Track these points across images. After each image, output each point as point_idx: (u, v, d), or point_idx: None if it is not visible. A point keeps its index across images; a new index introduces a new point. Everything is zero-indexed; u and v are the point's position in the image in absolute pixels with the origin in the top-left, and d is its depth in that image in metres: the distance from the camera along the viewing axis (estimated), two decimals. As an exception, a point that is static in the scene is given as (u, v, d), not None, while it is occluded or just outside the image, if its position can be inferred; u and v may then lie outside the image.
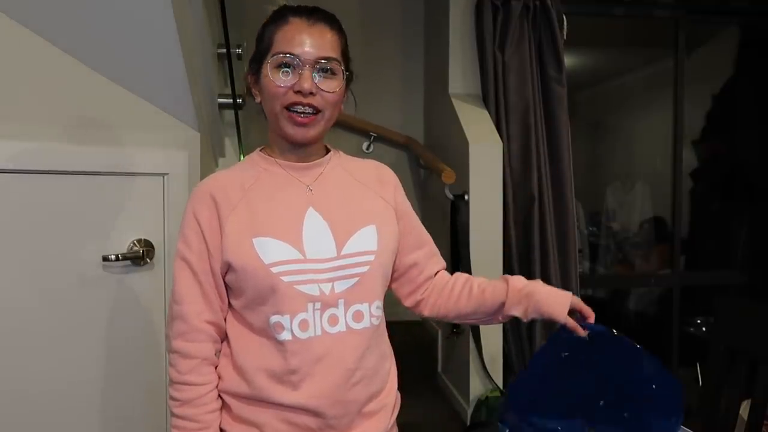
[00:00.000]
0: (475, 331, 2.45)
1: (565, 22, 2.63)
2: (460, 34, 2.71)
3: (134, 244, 1.55)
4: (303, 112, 1.02)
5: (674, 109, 3.25)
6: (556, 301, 1.11)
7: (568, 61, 2.68)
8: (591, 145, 3.81)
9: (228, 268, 1.04)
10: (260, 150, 1.14)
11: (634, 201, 3.73)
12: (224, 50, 2.02)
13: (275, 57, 1.02)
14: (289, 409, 1.02)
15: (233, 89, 1.96)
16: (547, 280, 2.50)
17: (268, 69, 1.02)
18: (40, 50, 1.42)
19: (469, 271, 2.33)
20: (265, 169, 1.09)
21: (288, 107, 1.02)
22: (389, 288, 1.19)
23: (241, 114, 2.16)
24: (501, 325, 2.51)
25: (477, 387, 2.48)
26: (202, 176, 1.71)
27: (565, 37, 2.63)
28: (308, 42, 1.02)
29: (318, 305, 1.02)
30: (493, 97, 2.58)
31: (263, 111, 1.09)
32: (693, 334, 3.33)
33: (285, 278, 1.01)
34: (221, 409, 1.07)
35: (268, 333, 1.03)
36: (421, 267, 1.19)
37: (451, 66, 2.74)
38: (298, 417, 1.02)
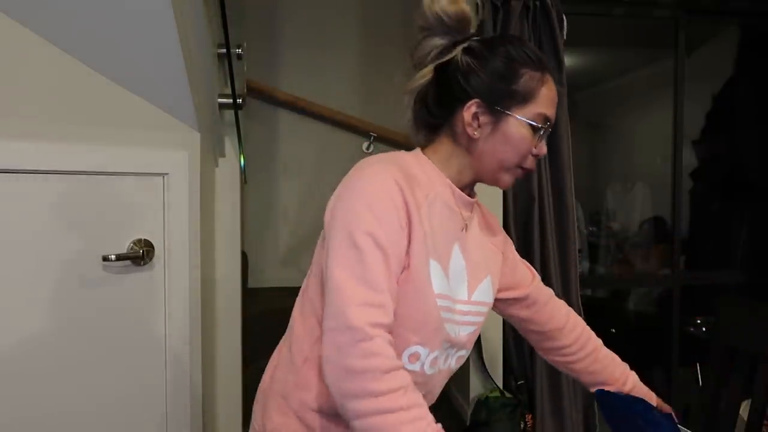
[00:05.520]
0: (475, 331, 2.44)
1: (565, 22, 2.62)
2: (460, 34, 2.70)
3: (134, 244, 1.55)
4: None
5: (674, 109, 3.25)
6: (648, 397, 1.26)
7: (568, 61, 2.68)
8: (591, 145, 3.80)
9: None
10: (424, 155, 1.04)
11: (634, 201, 3.72)
12: (224, 50, 2.01)
13: (538, 116, 0.98)
14: None
15: (233, 89, 1.95)
16: (547, 280, 2.50)
17: (523, 124, 0.98)
18: (40, 50, 1.42)
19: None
20: (441, 185, 1.02)
21: (521, 166, 1.01)
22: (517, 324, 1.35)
23: (241, 114, 2.16)
24: (501, 325, 2.51)
25: (477, 387, 2.48)
26: (202, 176, 1.71)
27: (565, 37, 2.63)
28: (555, 109, 1.02)
29: (446, 345, 1.00)
30: (493, 97, 2.58)
31: (463, 143, 1.01)
32: (693, 334, 3.33)
33: (443, 314, 0.96)
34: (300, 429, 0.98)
35: None
36: (534, 296, 1.27)
37: (451, 66, 2.73)
38: None
